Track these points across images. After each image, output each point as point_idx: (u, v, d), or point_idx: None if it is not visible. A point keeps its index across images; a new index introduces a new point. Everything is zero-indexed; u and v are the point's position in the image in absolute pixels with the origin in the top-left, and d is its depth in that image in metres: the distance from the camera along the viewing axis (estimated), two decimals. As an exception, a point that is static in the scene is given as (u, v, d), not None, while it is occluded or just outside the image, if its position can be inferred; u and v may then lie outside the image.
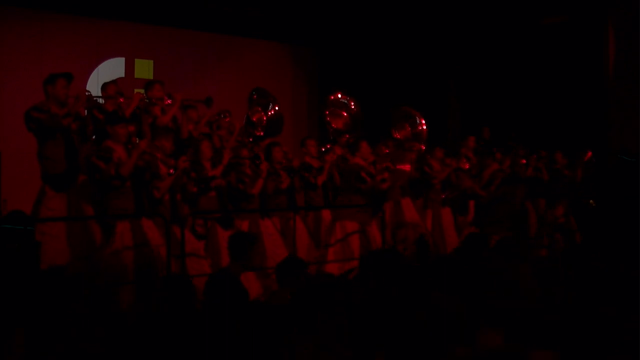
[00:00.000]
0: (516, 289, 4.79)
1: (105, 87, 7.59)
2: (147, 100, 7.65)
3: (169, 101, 7.67)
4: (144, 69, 11.31)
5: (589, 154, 10.86)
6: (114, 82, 7.84)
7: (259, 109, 8.27)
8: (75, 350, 3.74)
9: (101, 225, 6.72)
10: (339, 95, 9.29)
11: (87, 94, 7.07)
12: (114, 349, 3.82)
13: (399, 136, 9.22)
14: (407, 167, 9.21)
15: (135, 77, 11.12)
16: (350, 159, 8.43)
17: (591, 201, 10.96)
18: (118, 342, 3.87)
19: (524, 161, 10.41)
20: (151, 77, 10.67)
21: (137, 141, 7.20)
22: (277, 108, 8.38)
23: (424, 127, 9.14)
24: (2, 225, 5.23)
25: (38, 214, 6.52)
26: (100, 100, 7.28)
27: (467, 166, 9.59)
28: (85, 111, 7.19)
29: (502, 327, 3.64)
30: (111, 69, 10.87)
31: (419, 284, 4.63)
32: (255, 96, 8.42)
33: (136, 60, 11.29)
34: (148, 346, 3.74)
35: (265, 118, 8.32)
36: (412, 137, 9.21)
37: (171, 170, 6.78)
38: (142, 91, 7.94)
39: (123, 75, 10.93)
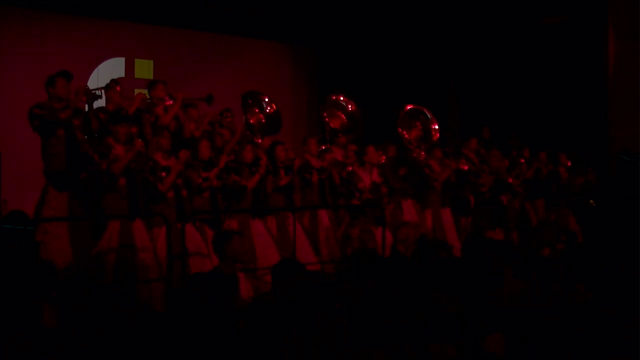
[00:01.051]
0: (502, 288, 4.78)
1: (108, 86, 7.62)
2: (150, 101, 7.67)
3: (171, 102, 7.71)
4: (144, 69, 11.31)
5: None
6: (115, 81, 7.85)
7: (257, 110, 8.28)
8: (75, 350, 3.74)
9: (93, 225, 6.74)
10: (341, 98, 9.32)
11: (85, 88, 7.08)
12: (114, 349, 3.82)
13: (407, 136, 9.21)
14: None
15: (135, 77, 11.11)
16: (354, 164, 8.51)
17: (591, 201, 10.95)
18: (118, 342, 3.87)
19: (522, 160, 10.42)
20: (151, 77, 10.66)
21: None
22: (274, 105, 8.40)
23: (436, 128, 9.14)
24: (2, 225, 5.23)
25: (40, 213, 6.55)
26: (99, 93, 7.28)
27: (466, 167, 9.60)
28: (86, 106, 7.21)
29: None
30: (111, 69, 10.86)
31: (419, 284, 4.63)
32: (250, 101, 8.42)
33: (136, 60, 11.28)
34: (148, 346, 3.75)
35: (263, 117, 8.33)
36: (423, 135, 9.18)
37: (163, 174, 6.81)
38: (144, 91, 7.95)
39: (123, 75, 10.92)
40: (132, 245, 6.56)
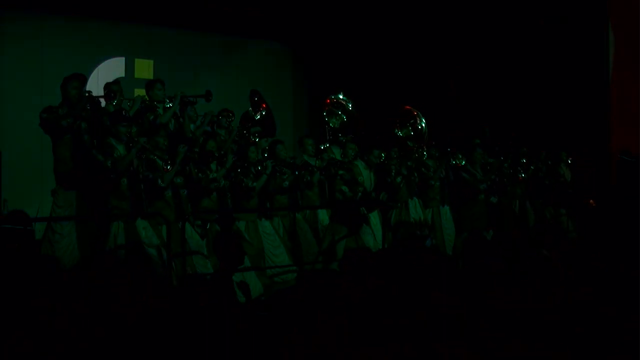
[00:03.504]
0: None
1: (108, 86, 7.66)
2: (148, 101, 7.71)
3: (170, 103, 7.76)
4: (144, 69, 11.30)
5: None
6: (116, 81, 7.89)
7: (264, 105, 8.48)
8: (75, 350, 3.74)
9: (98, 224, 6.82)
10: (340, 96, 9.36)
11: (86, 94, 7.11)
12: (114, 349, 3.82)
13: (401, 134, 9.29)
14: None
15: (135, 77, 11.12)
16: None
17: (591, 201, 10.96)
18: (118, 342, 3.87)
19: (525, 160, 10.43)
20: (151, 77, 10.67)
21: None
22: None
23: (424, 126, 9.25)
24: (2, 225, 5.24)
25: (52, 212, 6.70)
26: (98, 100, 7.32)
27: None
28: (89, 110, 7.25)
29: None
30: (111, 69, 10.87)
31: (419, 284, 4.63)
32: (255, 98, 8.59)
33: (136, 60, 11.28)
34: (147, 346, 3.75)
35: (266, 114, 8.46)
36: (414, 136, 9.29)
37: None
38: (143, 92, 7.97)
39: (123, 75, 10.92)
40: (140, 243, 6.64)
